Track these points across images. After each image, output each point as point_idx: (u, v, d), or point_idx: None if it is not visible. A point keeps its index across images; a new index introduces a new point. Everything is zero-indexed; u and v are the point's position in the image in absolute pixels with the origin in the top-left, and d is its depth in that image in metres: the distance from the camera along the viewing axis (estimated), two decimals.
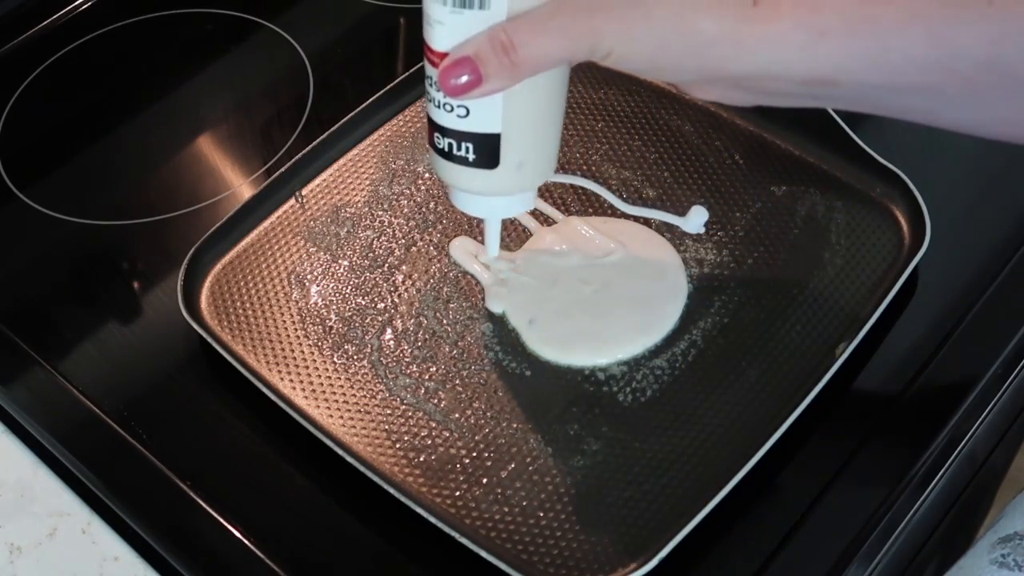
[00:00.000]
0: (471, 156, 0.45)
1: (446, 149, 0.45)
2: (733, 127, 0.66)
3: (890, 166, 0.60)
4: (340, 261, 0.60)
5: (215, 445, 0.54)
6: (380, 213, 0.63)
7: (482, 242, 0.60)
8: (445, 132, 0.44)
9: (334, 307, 0.58)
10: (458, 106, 0.43)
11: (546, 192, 0.63)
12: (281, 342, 0.57)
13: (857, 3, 0.39)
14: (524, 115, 0.44)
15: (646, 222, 0.61)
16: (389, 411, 0.53)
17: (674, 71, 0.42)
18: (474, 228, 0.61)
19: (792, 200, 0.61)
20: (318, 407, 0.54)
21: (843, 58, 0.39)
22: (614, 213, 0.61)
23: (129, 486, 0.52)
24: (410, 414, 0.53)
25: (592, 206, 0.62)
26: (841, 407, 0.53)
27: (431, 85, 0.44)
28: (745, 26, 0.39)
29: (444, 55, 0.41)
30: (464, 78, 0.41)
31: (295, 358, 0.56)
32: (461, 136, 0.44)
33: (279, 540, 0.50)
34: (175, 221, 0.64)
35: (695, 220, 0.55)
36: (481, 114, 0.43)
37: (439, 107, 0.44)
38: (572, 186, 0.63)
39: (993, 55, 0.38)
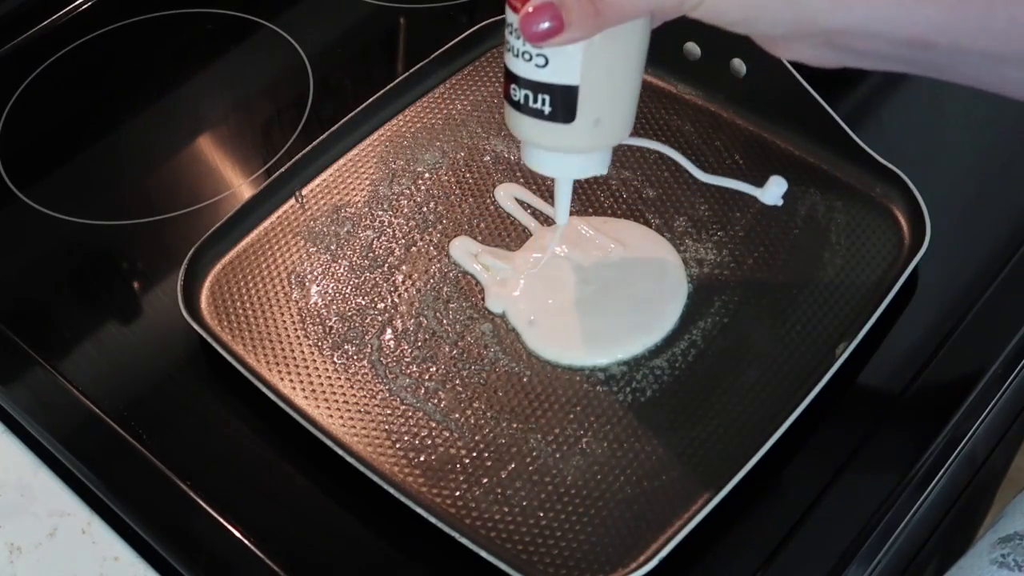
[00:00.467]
0: (547, 108, 0.44)
1: (521, 101, 0.44)
2: (733, 127, 0.66)
3: (890, 166, 0.60)
4: (340, 261, 0.60)
5: (215, 445, 0.54)
6: (380, 213, 0.63)
7: (482, 242, 0.60)
8: (522, 83, 0.44)
9: (334, 307, 0.58)
10: (537, 55, 0.42)
11: (546, 192, 0.63)
12: (281, 342, 0.57)
13: None
14: (604, 68, 0.43)
15: (645, 219, 0.61)
16: (389, 411, 0.53)
17: (768, 23, 0.40)
18: (474, 228, 0.61)
19: (792, 200, 0.61)
20: (318, 407, 0.54)
21: (946, 19, 0.38)
22: (614, 213, 0.61)
23: (129, 486, 0.52)
24: (410, 414, 0.53)
25: (592, 206, 0.62)
26: (841, 407, 0.53)
27: (511, 33, 0.43)
28: None
29: (526, 0, 0.41)
30: (545, 24, 0.40)
31: (295, 358, 0.56)
32: (538, 87, 0.43)
33: (279, 540, 0.50)
34: (175, 221, 0.64)
35: (774, 190, 0.53)
36: (560, 65, 0.42)
37: (517, 56, 0.43)
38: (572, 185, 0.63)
39: None
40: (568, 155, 0.47)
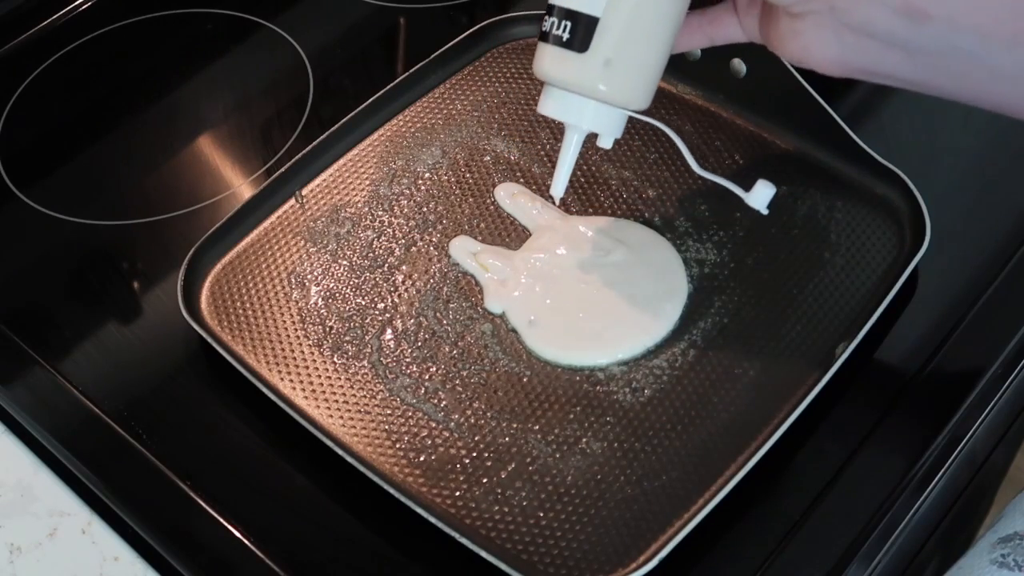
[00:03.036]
0: (565, 35, 0.46)
1: (549, 29, 0.47)
2: (733, 127, 0.66)
3: (890, 166, 0.60)
4: (340, 261, 0.60)
5: (215, 445, 0.54)
6: (380, 213, 0.63)
7: (482, 242, 0.60)
8: (554, 12, 0.47)
9: (334, 307, 0.58)
10: None
11: (546, 192, 0.63)
12: (281, 342, 0.57)
13: None
14: (627, 10, 0.46)
15: (645, 219, 0.61)
16: (389, 411, 0.53)
17: None
18: (474, 228, 0.61)
19: (792, 200, 0.61)
20: (318, 407, 0.54)
21: None
22: (614, 213, 0.61)
23: (129, 486, 0.52)
24: (410, 414, 0.53)
25: (592, 206, 0.62)
26: (840, 407, 0.53)
27: None
28: None
29: None
30: None
31: (295, 358, 0.56)
32: (565, 14, 0.46)
33: (279, 540, 0.50)
34: (175, 221, 0.64)
35: (762, 193, 0.52)
36: None
37: None
38: (572, 185, 0.63)
39: None
40: (579, 99, 0.48)
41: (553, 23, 0.47)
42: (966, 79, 0.42)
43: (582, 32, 0.46)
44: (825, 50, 0.44)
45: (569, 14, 0.46)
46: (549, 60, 0.48)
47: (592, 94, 0.48)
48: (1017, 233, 0.60)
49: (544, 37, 0.48)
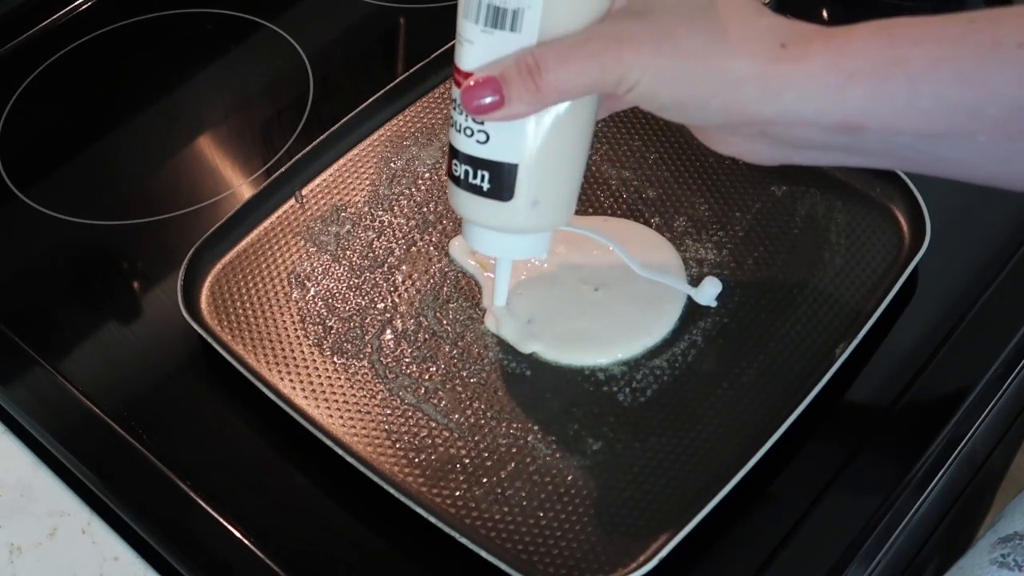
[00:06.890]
0: (486, 185, 0.44)
1: (462, 176, 0.44)
2: None
3: None
4: (340, 261, 0.60)
5: (215, 445, 0.54)
6: (380, 213, 0.63)
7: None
8: (462, 158, 0.44)
9: (334, 307, 0.58)
10: (479, 131, 0.43)
11: None
12: (281, 342, 0.57)
13: (886, 45, 0.38)
14: (545, 148, 0.43)
15: (645, 219, 0.61)
16: (389, 411, 0.53)
17: (698, 110, 0.41)
18: None
19: (792, 200, 0.61)
20: (318, 407, 0.54)
21: (872, 101, 0.38)
22: (614, 213, 0.61)
23: (129, 486, 0.52)
24: (410, 414, 0.53)
25: (592, 206, 0.62)
26: (841, 407, 0.53)
27: (455, 108, 0.43)
28: (773, 67, 0.38)
29: (470, 75, 0.41)
30: (487, 99, 0.40)
31: (295, 358, 0.56)
32: (478, 163, 0.44)
33: (279, 540, 0.50)
34: (175, 221, 0.64)
35: (708, 291, 0.54)
36: (501, 142, 0.43)
37: (460, 131, 0.43)
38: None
39: None
40: (507, 235, 0.47)
41: (467, 171, 0.44)
42: (910, 163, 0.42)
43: (503, 181, 0.44)
44: (759, 155, 0.43)
45: (483, 163, 0.43)
46: (470, 206, 0.46)
47: (522, 232, 0.47)
48: (1017, 233, 0.60)
49: (456, 181, 0.45)
